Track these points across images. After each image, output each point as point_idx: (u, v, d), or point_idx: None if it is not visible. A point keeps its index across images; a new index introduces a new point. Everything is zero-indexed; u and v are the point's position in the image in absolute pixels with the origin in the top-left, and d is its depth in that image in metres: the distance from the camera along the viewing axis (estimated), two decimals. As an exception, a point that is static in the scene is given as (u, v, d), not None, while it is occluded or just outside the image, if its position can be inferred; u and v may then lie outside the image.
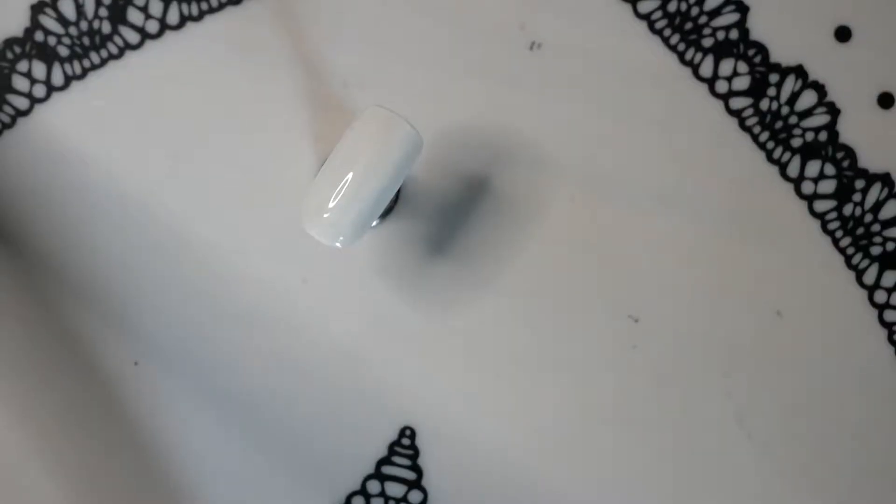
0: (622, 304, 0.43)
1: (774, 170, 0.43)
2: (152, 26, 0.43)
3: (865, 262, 0.43)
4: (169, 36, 0.43)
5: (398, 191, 0.42)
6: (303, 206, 0.36)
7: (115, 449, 0.44)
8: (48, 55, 0.43)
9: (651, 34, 0.43)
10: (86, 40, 0.43)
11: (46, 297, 0.43)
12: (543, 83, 0.43)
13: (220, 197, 0.43)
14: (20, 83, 0.43)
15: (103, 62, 0.43)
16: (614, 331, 0.43)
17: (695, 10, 0.43)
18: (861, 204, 0.43)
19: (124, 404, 0.44)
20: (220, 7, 0.43)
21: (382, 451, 0.44)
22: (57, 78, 0.43)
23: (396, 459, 0.44)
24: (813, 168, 0.43)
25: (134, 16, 0.43)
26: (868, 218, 0.43)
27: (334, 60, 0.43)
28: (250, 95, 0.43)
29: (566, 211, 0.43)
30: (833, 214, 0.43)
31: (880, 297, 0.43)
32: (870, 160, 0.43)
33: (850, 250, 0.43)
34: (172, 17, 0.43)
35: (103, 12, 0.43)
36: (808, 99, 0.43)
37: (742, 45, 0.43)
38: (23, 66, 0.43)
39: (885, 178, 0.43)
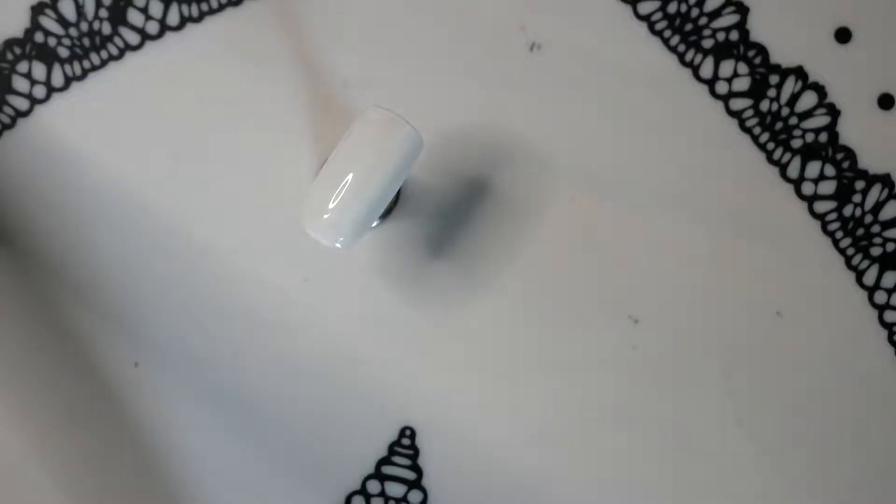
0: (622, 304, 0.43)
1: (775, 171, 0.43)
2: (152, 27, 0.43)
3: (865, 263, 0.43)
4: (169, 37, 0.43)
5: (398, 191, 0.42)
6: (303, 206, 0.36)
7: (115, 449, 0.44)
8: (48, 56, 0.43)
9: (651, 35, 0.43)
10: (86, 41, 0.43)
11: (46, 297, 0.43)
12: (543, 84, 0.43)
13: (220, 197, 0.43)
14: (20, 84, 0.43)
15: (103, 63, 0.43)
16: (614, 331, 0.44)
17: (695, 12, 0.43)
18: (861, 205, 0.43)
19: (124, 404, 0.44)
20: (220, 8, 0.43)
21: (382, 451, 0.44)
22: (57, 79, 0.43)
23: (396, 459, 0.44)
24: (813, 169, 0.43)
25: (134, 17, 0.43)
26: (868, 219, 0.43)
27: (334, 61, 0.43)
28: (250, 96, 0.43)
29: (566, 211, 0.43)
30: (833, 215, 0.43)
31: (880, 297, 0.43)
32: (870, 161, 0.43)
33: (851, 251, 0.43)
34: (172, 18, 0.43)
35: (103, 13, 0.43)
36: (808, 100, 0.43)
37: (742, 47, 0.43)
38: (23, 66, 0.43)
39: (885, 179, 0.43)
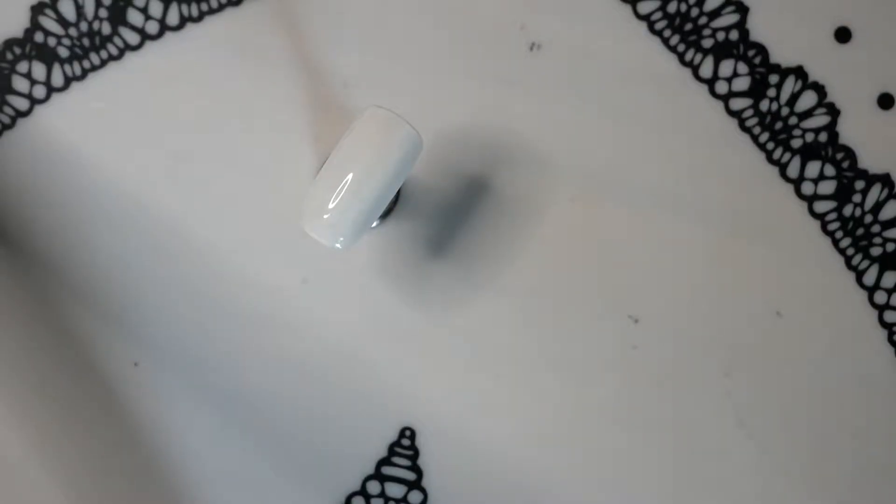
0: (622, 304, 0.43)
1: (774, 170, 0.43)
2: (152, 27, 0.43)
3: (865, 263, 0.43)
4: (169, 37, 0.43)
5: (398, 191, 0.42)
6: (303, 206, 0.36)
7: (115, 449, 0.44)
8: (48, 56, 0.43)
9: (651, 35, 0.43)
10: (86, 41, 0.43)
11: (46, 297, 0.43)
12: (543, 84, 0.43)
13: (219, 197, 0.43)
14: (20, 84, 0.43)
15: (103, 63, 0.43)
16: (614, 331, 0.44)
17: (695, 11, 0.43)
18: (861, 205, 0.43)
19: (124, 404, 0.44)
20: (220, 8, 0.43)
21: (382, 452, 0.44)
22: (57, 79, 0.43)
23: (396, 460, 0.44)
24: (813, 169, 0.43)
25: (134, 17, 0.43)
26: (868, 219, 0.43)
27: (334, 61, 0.43)
28: (250, 96, 0.43)
29: (566, 211, 0.43)
30: (833, 215, 0.43)
31: (880, 297, 0.43)
32: (870, 161, 0.43)
33: (850, 251, 0.43)
34: (172, 18, 0.43)
35: (103, 13, 0.43)
36: (808, 100, 0.43)
37: (742, 46, 0.43)
38: (23, 66, 0.43)
39: (884, 179, 0.43)
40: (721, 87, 0.43)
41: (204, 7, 0.43)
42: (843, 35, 0.43)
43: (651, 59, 0.43)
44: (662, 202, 0.43)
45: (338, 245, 0.36)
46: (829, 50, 0.43)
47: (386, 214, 0.43)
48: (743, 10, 0.43)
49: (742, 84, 0.43)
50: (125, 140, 0.43)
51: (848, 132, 0.43)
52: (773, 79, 0.43)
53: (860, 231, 0.43)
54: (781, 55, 0.43)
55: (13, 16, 0.43)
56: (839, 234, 0.43)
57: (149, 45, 0.43)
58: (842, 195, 0.43)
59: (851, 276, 0.43)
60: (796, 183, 0.43)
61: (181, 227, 0.43)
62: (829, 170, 0.43)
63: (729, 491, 0.44)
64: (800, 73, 0.43)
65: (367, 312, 0.43)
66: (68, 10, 0.43)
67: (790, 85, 0.43)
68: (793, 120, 0.43)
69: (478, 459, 0.44)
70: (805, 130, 0.43)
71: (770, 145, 0.43)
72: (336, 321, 0.43)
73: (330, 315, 0.43)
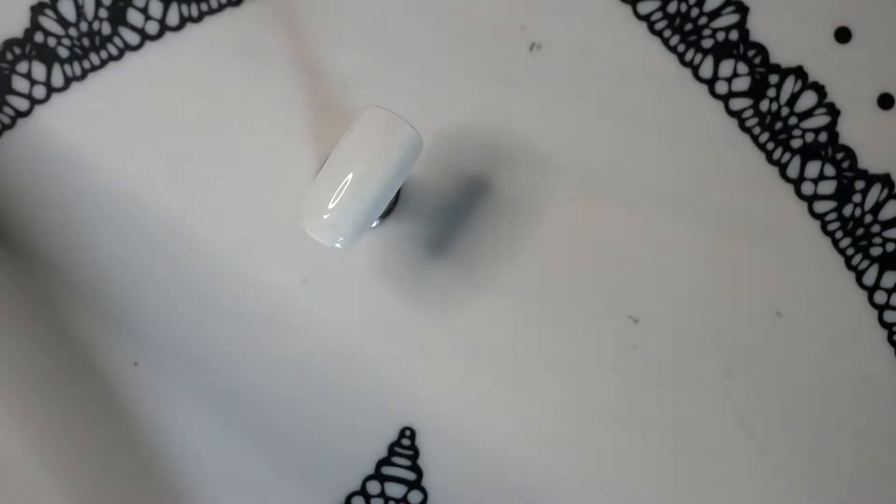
0: (622, 304, 0.43)
1: (774, 170, 0.43)
2: (152, 27, 0.43)
3: (865, 263, 0.43)
4: (169, 37, 0.43)
5: (398, 191, 0.42)
6: (303, 206, 0.36)
7: (115, 449, 0.44)
8: (48, 56, 0.43)
9: (651, 35, 0.43)
10: (86, 41, 0.43)
11: (46, 297, 0.43)
12: (543, 84, 0.43)
13: (219, 197, 0.43)
14: (20, 84, 0.43)
15: (103, 63, 0.43)
16: (614, 331, 0.43)
17: (695, 11, 0.43)
18: (861, 205, 0.43)
19: (124, 404, 0.44)
20: (220, 8, 0.43)
21: (382, 452, 0.44)
22: (57, 79, 0.43)
23: (396, 460, 0.44)
24: (813, 169, 0.43)
25: (134, 17, 0.43)
26: (868, 219, 0.43)
27: (334, 61, 0.43)
28: (250, 96, 0.43)
29: (566, 211, 0.43)
30: (833, 215, 0.43)
31: (880, 297, 0.43)
32: (870, 161, 0.43)
33: (850, 251, 0.43)
34: (172, 18, 0.43)
35: (103, 13, 0.43)
36: (807, 100, 0.43)
37: (742, 46, 0.43)
38: (23, 67, 0.43)
39: (884, 179, 0.43)
40: (721, 88, 0.43)
41: (204, 7, 0.43)
42: (843, 35, 0.43)
43: (651, 60, 0.43)
44: (662, 202, 0.43)
45: (338, 245, 0.36)
46: (829, 50, 0.43)
47: (386, 214, 0.43)
48: (743, 10, 0.43)
49: (742, 84, 0.43)
50: (125, 140, 0.43)
51: (848, 132, 0.43)
52: (773, 79, 0.43)
53: (860, 231, 0.43)
54: (781, 55, 0.43)
55: (13, 16, 0.43)
56: (839, 235, 0.43)
57: (149, 45, 0.43)
58: (842, 195, 0.43)
59: (851, 276, 0.43)
60: (796, 183, 0.43)
61: (181, 227, 0.43)
62: (829, 170, 0.43)
63: (729, 491, 0.44)
64: (800, 73, 0.43)
65: (367, 312, 0.43)
66: (68, 11, 0.43)
67: (790, 85, 0.43)
68: (793, 120, 0.43)
69: (478, 459, 0.44)
70: (805, 130, 0.43)
71: (770, 145, 0.43)
72: (336, 321, 0.43)
73: (330, 315, 0.43)
